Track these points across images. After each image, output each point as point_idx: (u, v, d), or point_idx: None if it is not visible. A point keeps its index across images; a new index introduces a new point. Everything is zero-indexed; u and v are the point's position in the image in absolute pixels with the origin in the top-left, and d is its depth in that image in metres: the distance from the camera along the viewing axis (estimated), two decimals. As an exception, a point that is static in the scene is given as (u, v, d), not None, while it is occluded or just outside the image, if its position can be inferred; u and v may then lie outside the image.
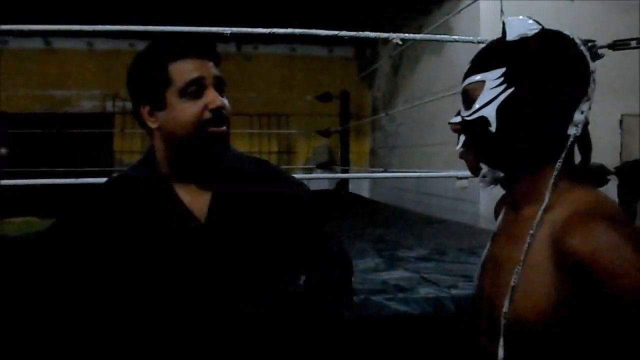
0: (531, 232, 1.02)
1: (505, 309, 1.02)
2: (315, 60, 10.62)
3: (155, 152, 1.35)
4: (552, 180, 1.05)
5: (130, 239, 1.30)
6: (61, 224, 1.40)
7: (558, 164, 1.05)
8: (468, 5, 4.93)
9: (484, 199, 5.54)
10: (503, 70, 1.05)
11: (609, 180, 2.66)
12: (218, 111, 1.26)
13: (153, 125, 1.30)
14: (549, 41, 1.06)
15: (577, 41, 1.07)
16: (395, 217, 6.75)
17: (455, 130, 1.15)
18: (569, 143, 1.05)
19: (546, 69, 1.03)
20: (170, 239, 1.29)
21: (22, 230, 4.58)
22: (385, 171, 7.12)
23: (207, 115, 1.25)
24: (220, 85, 1.30)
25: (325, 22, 3.43)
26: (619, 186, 2.93)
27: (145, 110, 1.30)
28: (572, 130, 1.04)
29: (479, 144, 1.11)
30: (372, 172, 9.02)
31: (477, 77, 1.09)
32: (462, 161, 1.19)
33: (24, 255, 1.54)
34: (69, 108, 9.78)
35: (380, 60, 9.62)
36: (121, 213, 1.32)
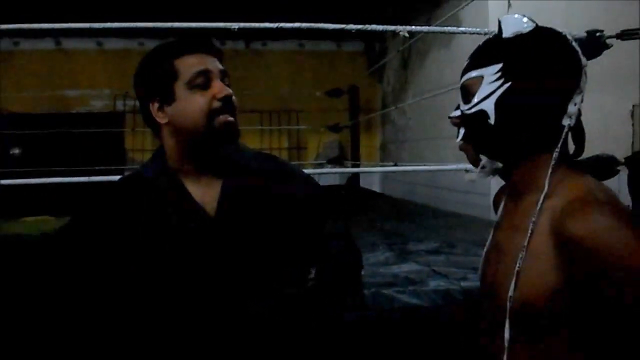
0: (533, 219, 1.07)
1: (510, 293, 1.05)
2: (324, 56, 10.62)
3: (165, 148, 1.37)
4: (550, 169, 1.10)
5: (143, 236, 1.32)
6: (76, 222, 1.43)
7: (555, 154, 1.10)
8: (476, -2, 4.93)
9: (495, 191, 5.52)
10: (500, 65, 1.11)
11: (619, 171, 2.66)
12: (226, 99, 1.30)
13: (162, 121, 1.33)
14: (542, 38, 1.11)
15: (569, 37, 1.13)
16: (406, 211, 6.76)
17: (455, 124, 1.20)
18: (563, 133, 1.10)
19: (540, 64, 1.09)
20: (182, 234, 1.32)
21: (38, 229, 4.63)
22: (395, 165, 7.12)
23: (217, 104, 1.29)
24: (225, 78, 1.34)
25: (333, 17, 3.44)
26: (629, 176, 2.92)
27: (154, 106, 1.33)
28: (567, 121, 1.10)
29: (478, 137, 1.16)
30: (383, 166, 9.03)
31: (475, 73, 1.14)
32: (472, 154, 1.23)
33: (40, 253, 1.57)
34: (80, 108, 9.85)
35: (390, 54, 9.60)
36: (134, 211, 1.35)
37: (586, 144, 1.16)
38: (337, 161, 10.28)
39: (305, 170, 1.71)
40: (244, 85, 8.87)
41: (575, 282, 1.00)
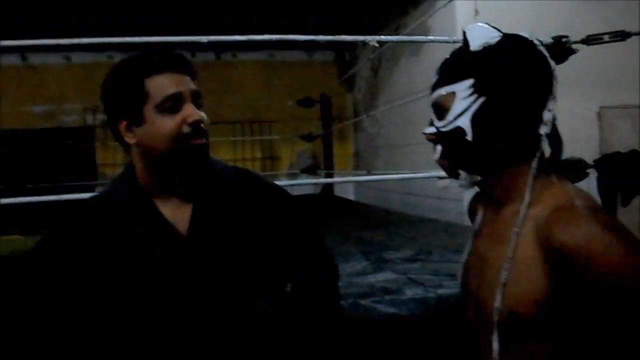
0: (516, 229, 1.07)
1: (497, 305, 1.05)
2: (295, 65, 10.65)
3: (135, 166, 1.34)
4: (530, 179, 1.09)
5: (115, 257, 1.29)
6: (47, 242, 1.39)
7: (534, 163, 1.10)
8: (444, 5, 4.99)
9: (468, 197, 5.57)
10: (472, 81, 1.10)
11: (588, 173, 2.70)
12: (196, 124, 1.26)
13: (131, 141, 1.30)
14: (511, 47, 1.10)
15: (536, 42, 1.12)
16: (381, 219, 6.77)
17: (430, 140, 1.18)
18: (541, 142, 1.10)
19: (512, 75, 1.08)
20: (153, 254, 1.29)
21: (9, 249, 4.54)
22: (368, 173, 7.14)
23: (186, 129, 1.25)
24: (197, 99, 1.30)
25: (303, 26, 3.44)
26: (598, 179, 2.97)
27: (122, 125, 1.30)
28: (544, 130, 1.09)
29: (456, 153, 1.14)
30: (356, 174, 9.05)
31: (447, 89, 1.13)
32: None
33: (11, 274, 1.53)
34: (49, 123, 9.71)
35: (360, 63, 9.66)
36: (105, 232, 1.31)
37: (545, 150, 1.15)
38: (310, 170, 10.28)
39: (280, 181, 1.70)
40: (215, 97, 8.85)
41: (562, 290, 1.00)
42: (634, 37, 2.98)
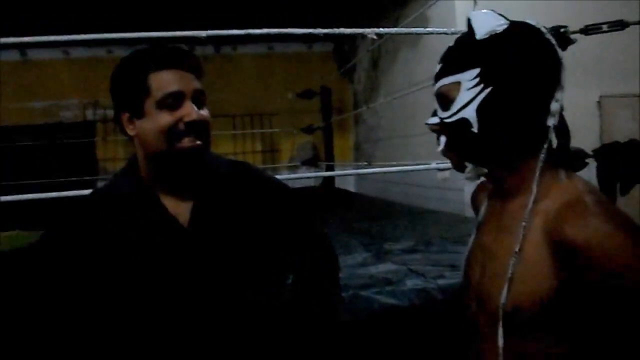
0: (523, 223, 1.04)
1: (503, 299, 1.03)
2: (294, 58, 10.65)
3: (138, 159, 1.36)
4: (538, 172, 1.06)
5: (118, 249, 1.30)
6: (49, 238, 1.40)
7: (542, 155, 1.06)
8: (442, -4, 4.99)
9: (469, 187, 5.58)
10: (478, 70, 1.05)
11: (587, 163, 2.70)
12: (192, 124, 1.26)
13: (132, 133, 1.31)
14: (518, 35, 1.05)
15: (543, 30, 1.06)
16: (382, 210, 6.79)
17: (434, 131, 1.15)
18: (549, 133, 1.06)
19: (520, 65, 1.03)
20: (156, 246, 1.30)
21: (10, 244, 4.55)
22: (368, 164, 7.15)
23: (181, 127, 1.26)
24: (199, 99, 1.30)
25: (302, 18, 3.44)
26: (597, 168, 2.97)
27: (125, 117, 1.31)
28: (551, 121, 1.05)
29: (462, 145, 1.11)
30: (357, 166, 9.04)
31: (452, 78, 1.08)
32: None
33: (14, 269, 1.54)
34: (49, 119, 9.71)
35: (359, 55, 9.64)
36: (108, 225, 1.32)
37: (552, 142, 1.10)
38: (311, 162, 10.30)
39: (280, 174, 1.71)
40: (215, 90, 8.85)
41: (570, 286, 0.98)
42: (634, 26, 2.97)
